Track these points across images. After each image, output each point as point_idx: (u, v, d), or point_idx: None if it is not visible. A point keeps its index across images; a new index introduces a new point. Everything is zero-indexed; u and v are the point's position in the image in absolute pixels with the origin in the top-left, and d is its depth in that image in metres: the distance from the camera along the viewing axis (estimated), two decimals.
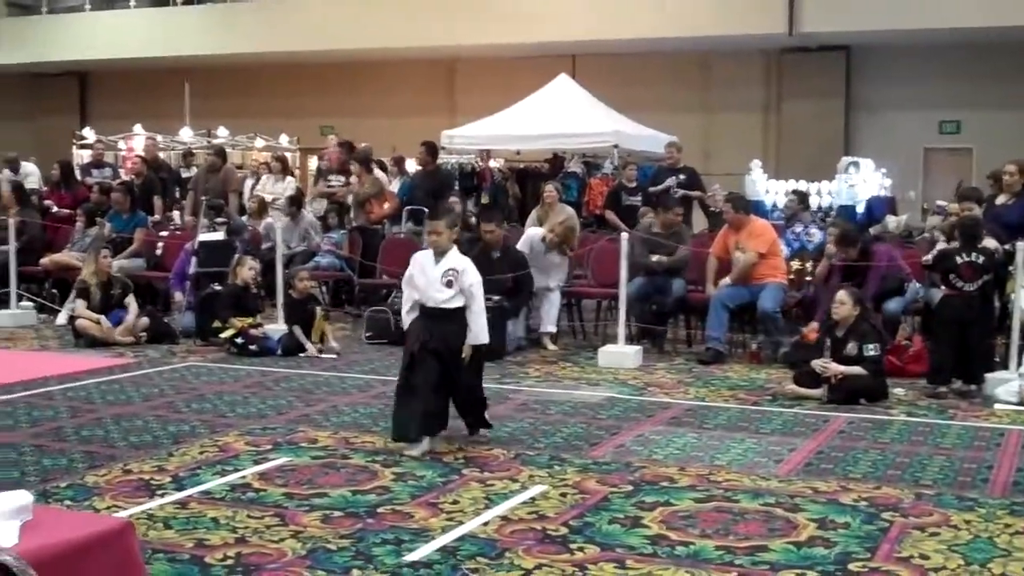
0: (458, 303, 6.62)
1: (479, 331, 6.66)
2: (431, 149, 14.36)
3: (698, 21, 20.21)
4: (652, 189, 13.70)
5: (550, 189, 12.34)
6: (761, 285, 10.28)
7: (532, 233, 11.26)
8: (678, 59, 22.17)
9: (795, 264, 11.09)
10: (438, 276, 6.61)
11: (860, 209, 15.76)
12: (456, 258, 6.70)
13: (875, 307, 9.40)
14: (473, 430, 6.93)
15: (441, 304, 6.60)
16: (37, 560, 2.00)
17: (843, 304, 8.51)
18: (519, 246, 11.08)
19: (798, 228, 11.80)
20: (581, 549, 4.86)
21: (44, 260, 13.28)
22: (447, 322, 6.63)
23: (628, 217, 13.35)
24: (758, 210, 14.78)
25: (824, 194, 16.31)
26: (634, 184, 14.04)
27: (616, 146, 16.17)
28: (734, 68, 22.20)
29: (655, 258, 10.79)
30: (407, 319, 6.80)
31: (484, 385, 8.82)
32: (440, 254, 6.68)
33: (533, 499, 5.64)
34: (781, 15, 19.95)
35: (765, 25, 20.10)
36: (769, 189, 16.81)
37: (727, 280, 10.42)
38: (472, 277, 6.66)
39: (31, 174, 17.73)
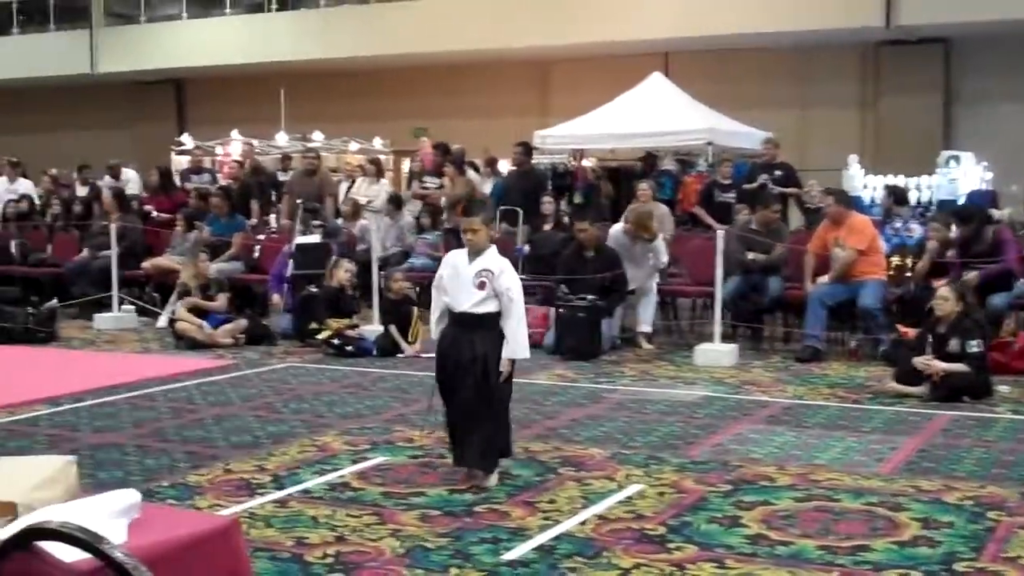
0: (491, 307, 5.86)
1: (517, 344, 5.88)
2: (526, 149, 14.38)
3: (793, 15, 19.96)
4: (747, 187, 13.56)
5: (644, 187, 12.29)
6: (861, 282, 10.13)
7: (614, 228, 11.20)
8: (772, 54, 21.91)
9: (895, 260, 10.90)
10: (470, 276, 5.87)
11: (961, 203, 15.45)
12: (493, 258, 5.95)
13: (979, 301, 9.20)
14: (474, 464, 5.92)
15: (471, 308, 5.85)
16: (146, 557, 2.03)
17: (946, 300, 8.34)
18: (608, 244, 11.04)
19: (897, 224, 11.60)
20: (679, 548, 4.82)
21: (145, 264, 13.52)
22: (480, 329, 5.86)
23: (722, 214, 13.24)
24: (856, 206, 14.59)
25: (924, 189, 16.02)
26: (728, 181, 13.92)
27: (710, 143, 16.04)
28: (830, 62, 21.88)
29: (751, 256, 10.68)
30: (436, 329, 6.09)
31: (577, 385, 8.87)
32: (476, 253, 5.94)
33: (630, 498, 5.61)
34: (878, 8, 19.63)
35: (862, 18, 19.78)
36: (867, 184, 16.55)
37: (825, 278, 10.28)
38: (510, 280, 5.89)
39: (131, 180, 18.08)
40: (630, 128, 16.45)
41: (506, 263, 5.99)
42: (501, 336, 5.86)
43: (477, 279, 5.85)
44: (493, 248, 6.01)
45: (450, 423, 6.03)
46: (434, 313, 6.10)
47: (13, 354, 10.85)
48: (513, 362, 5.90)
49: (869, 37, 20.99)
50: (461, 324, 5.91)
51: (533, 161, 15.81)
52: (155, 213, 14.98)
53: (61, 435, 7.15)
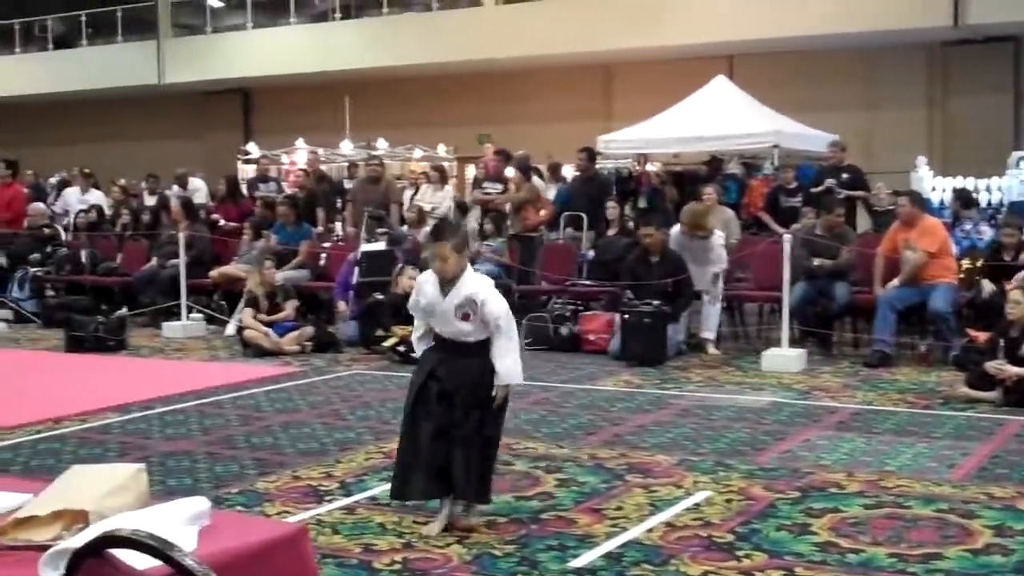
0: (480, 336, 5.20)
1: (511, 371, 5.19)
2: (590, 155, 14.35)
3: (859, 16, 19.77)
4: (813, 190, 13.45)
5: (709, 191, 12.22)
6: (932, 285, 10.00)
7: (673, 231, 11.15)
8: (838, 56, 21.72)
9: (965, 263, 10.75)
10: (450, 310, 5.19)
11: None
12: (472, 284, 5.22)
13: None
14: (463, 503, 5.29)
15: (460, 338, 5.24)
16: (216, 564, 2.04)
17: (1018, 303, 8.20)
18: (671, 247, 11.00)
19: (967, 226, 11.45)
20: (748, 556, 4.77)
21: (212, 273, 13.65)
22: (467, 356, 5.23)
23: (788, 219, 13.14)
24: (926, 208, 14.42)
25: (994, 190, 15.80)
26: (793, 185, 13.81)
27: (776, 146, 15.92)
28: (897, 63, 21.64)
29: (817, 262, 10.58)
30: (419, 347, 5.48)
31: (643, 391, 8.83)
32: (449, 283, 5.20)
33: (698, 505, 5.57)
34: (946, 7, 19.39)
35: (929, 18, 19.56)
36: (936, 186, 16.36)
37: (896, 282, 10.16)
38: (497, 306, 5.17)
39: (198, 189, 18.28)
40: (694, 132, 16.37)
41: (486, 287, 5.26)
42: (489, 361, 5.19)
43: (459, 312, 5.17)
44: (468, 272, 5.29)
45: (414, 450, 5.23)
46: (417, 331, 5.50)
47: (84, 362, 11.01)
48: (507, 387, 5.24)
49: (937, 37, 20.74)
50: (449, 350, 5.27)
51: (597, 166, 15.79)
52: (223, 222, 15.13)
53: (132, 442, 7.23)
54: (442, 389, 5.19)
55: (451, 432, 5.16)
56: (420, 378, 5.28)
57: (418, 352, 5.49)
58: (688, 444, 6.97)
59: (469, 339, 5.21)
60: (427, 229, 14.00)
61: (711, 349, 10.85)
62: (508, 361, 5.18)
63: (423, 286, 5.34)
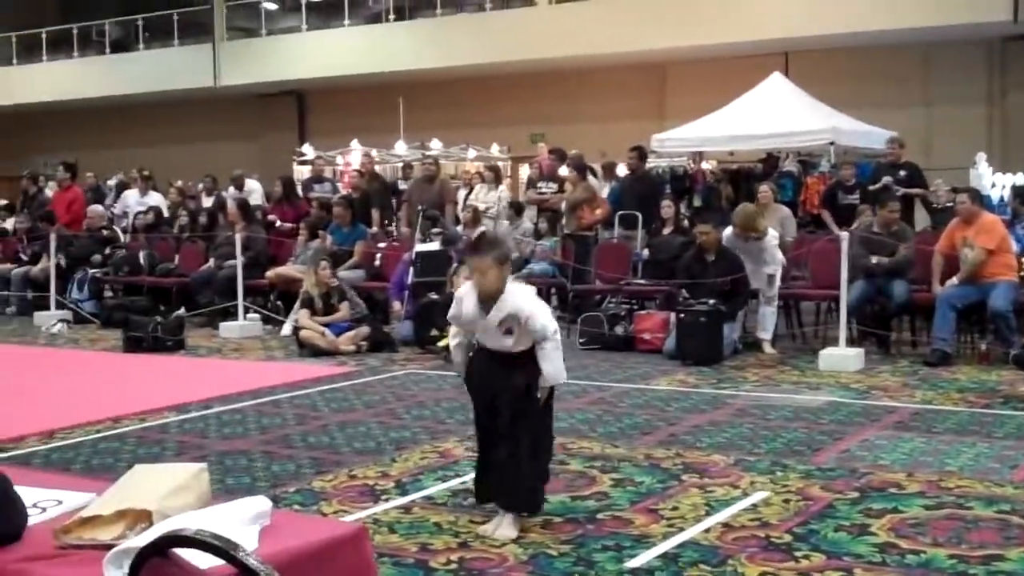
0: (524, 346, 5.13)
1: (554, 372, 5.13)
2: (641, 153, 14.31)
3: (916, 12, 19.58)
4: (871, 188, 13.33)
5: (764, 189, 12.15)
6: (992, 283, 9.87)
7: (725, 232, 11.10)
8: (895, 52, 21.52)
9: None
10: (493, 327, 5.10)
11: None
12: (514, 299, 5.06)
13: None
14: (512, 508, 5.19)
15: (504, 350, 5.17)
16: (279, 564, 2.06)
17: None
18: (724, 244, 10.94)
19: None
20: (807, 557, 4.74)
21: (269, 273, 13.75)
22: (515, 365, 5.18)
23: (846, 216, 13.03)
24: (985, 205, 14.24)
25: None
26: (852, 183, 13.70)
27: (832, 143, 15.80)
28: (955, 59, 21.42)
29: (875, 260, 10.48)
30: (456, 354, 5.46)
31: (699, 390, 8.79)
32: (490, 299, 5.06)
33: (755, 505, 5.53)
34: (1005, 3, 19.15)
35: (988, 13, 19.33)
36: (995, 183, 16.16)
37: (954, 280, 10.05)
38: (541, 319, 5.06)
39: (254, 191, 18.40)
40: (750, 129, 16.29)
41: (529, 300, 5.13)
42: (536, 366, 5.13)
43: (502, 327, 5.08)
44: (510, 286, 5.11)
45: (486, 459, 5.32)
46: (453, 338, 5.44)
47: (142, 362, 11.12)
48: (552, 388, 5.23)
49: (996, 32, 20.50)
50: (494, 359, 5.23)
51: (651, 164, 15.75)
52: (279, 223, 15.22)
53: (190, 441, 7.30)
54: (491, 399, 5.23)
55: (499, 442, 5.21)
56: (480, 386, 5.34)
57: (455, 358, 5.50)
58: (745, 444, 6.93)
59: (514, 351, 5.16)
60: (482, 229, 14.08)
61: (768, 348, 10.78)
62: (554, 364, 5.12)
63: (463, 301, 5.20)
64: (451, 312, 5.31)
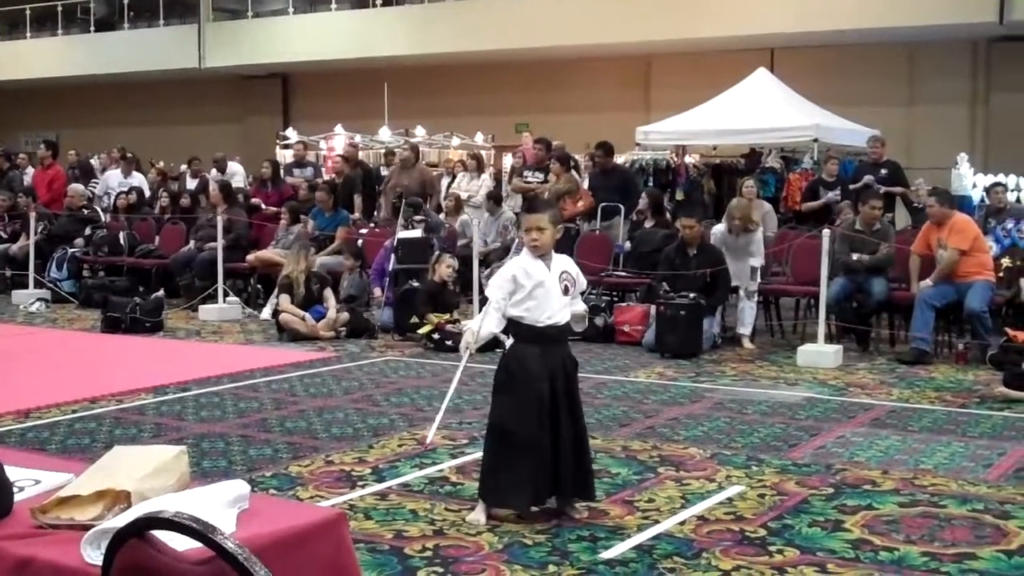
0: (568, 314, 5.24)
1: (583, 312, 5.42)
2: (607, 149, 14.19)
3: (902, 11, 19.60)
4: (852, 186, 13.38)
5: (749, 185, 12.19)
6: (968, 283, 9.93)
7: (716, 228, 11.18)
8: (881, 51, 21.57)
9: (1005, 262, 10.67)
10: (555, 282, 5.16)
11: None
12: (562, 259, 5.31)
13: None
14: (590, 495, 5.33)
15: (561, 319, 5.18)
16: (256, 547, 2.06)
17: None
18: (712, 243, 10.99)
19: (1009, 224, 11.35)
20: (780, 552, 4.77)
21: (249, 257, 13.72)
22: (564, 342, 5.31)
23: (826, 213, 13.09)
24: (965, 206, 14.31)
25: None
26: (833, 179, 13.75)
27: (816, 140, 15.83)
28: (940, 59, 21.48)
29: (856, 256, 10.53)
30: (491, 322, 5.22)
31: (677, 384, 8.81)
32: (546, 256, 5.21)
33: (730, 499, 5.56)
34: (992, 3, 19.20)
35: (974, 14, 19.36)
36: (977, 183, 16.23)
37: (928, 281, 10.12)
38: (581, 274, 5.41)
39: (236, 173, 18.39)
40: (734, 124, 16.30)
41: (571, 260, 5.41)
42: (570, 349, 5.33)
43: (562, 284, 5.17)
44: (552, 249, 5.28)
45: (541, 460, 5.14)
46: (489, 326, 5.21)
47: (120, 343, 11.10)
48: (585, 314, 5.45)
49: (981, 33, 20.56)
50: (547, 340, 5.18)
51: (635, 157, 15.75)
52: (263, 206, 15.16)
53: (167, 423, 7.29)
54: (554, 385, 5.15)
55: (560, 429, 5.15)
56: (536, 381, 5.12)
57: (489, 328, 5.21)
58: (721, 438, 6.96)
59: (563, 320, 5.19)
60: (464, 217, 14.08)
61: (747, 344, 10.82)
62: (582, 306, 5.39)
63: (528, 268, 5.15)
64: (502, 292, 5.15)
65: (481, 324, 5.26)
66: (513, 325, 5.21)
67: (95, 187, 18.02)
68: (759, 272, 11.04)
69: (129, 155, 18.51)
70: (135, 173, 18.03)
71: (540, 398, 5.11)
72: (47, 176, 17.09)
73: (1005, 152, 19.28)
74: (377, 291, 12.26)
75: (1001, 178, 15.65)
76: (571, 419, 5.20)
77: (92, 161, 20.76)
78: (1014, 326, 9.77)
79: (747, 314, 10.97)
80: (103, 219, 16.25)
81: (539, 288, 5.12)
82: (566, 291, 5.18)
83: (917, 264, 10.38)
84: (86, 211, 16.10)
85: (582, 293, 5.55)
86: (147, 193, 17.27)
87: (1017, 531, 5.07)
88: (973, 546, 4.86)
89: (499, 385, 5.27)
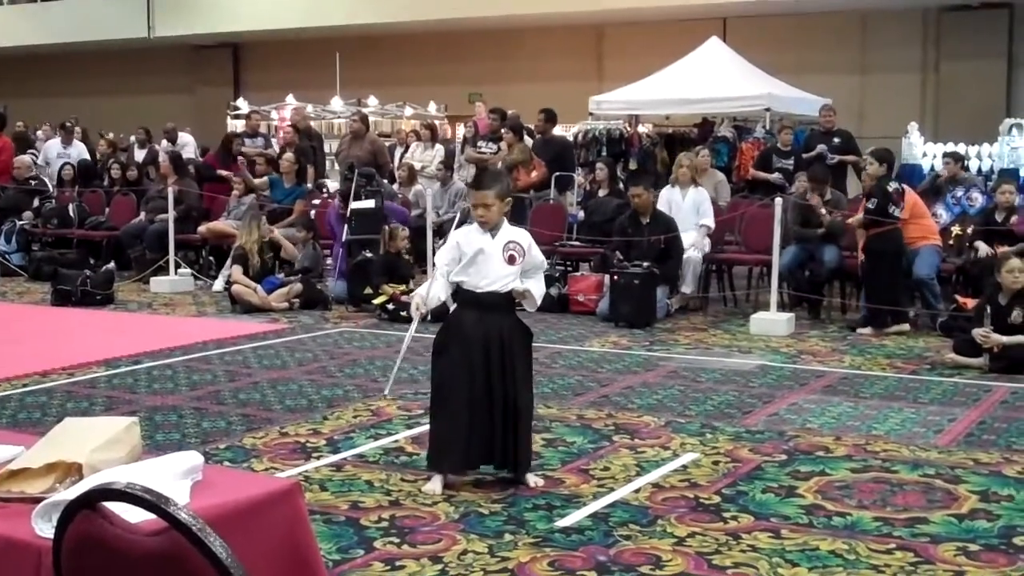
0: (514, 285, 5.27)
1: (539, 295, 5.40)
2: (548, 115, 14.20)
3: None
4: (805, 156, 13.44)
5: (704, 154, 12.22)
6: (915, 250, 10.01)
7: (665, 189, 11.36)
8: (833, 19, 21.65)
9: (955, 230, 10.77)
10: (498, 251, 5.22)
11: None
12: (515, 231, 5.37)
13: None
14: (520, 473, 5.30)
15: (500, 287, 5.21)
16: (210, 518, 2.04)
17: (1022, 272, 8.13)
18: (660, 207, 11.02)
19: (959, 192, 11.45)
20: (735, 518, 4.80)
21: (201, 228, 13.61)
22: (503, 310, 5.30)
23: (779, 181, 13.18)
24: (915, 174, 14.38)
25: (984, 157, 15.79)
26: (788, 148, 13.82)
27: (768, 110, 15.90)
28: (891, 28, 21.59)
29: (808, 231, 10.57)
30: (438, 288, 5.34)
31: (631, 352, 8.84)
32: (493, 229, 5.26)
33: (685, 467, 5.59)
34: None
35: None
36: (927, 152, 16.34)
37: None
38: (539, 251, 5.45)
39: (187, 144, 18.19)
40: (686, 94, 16.33)
41: (528, 235, 5.44)
42: (518, 319, 5.36)
43: (506, 253, 5.22)
44: (505, 222, 5.34)
45: (476, 418, 5.18)
46: (437, 290, 5.33)
47: (71, 316, 10.99)
48: (526, 293, 5.34)
49: (932, 2, 20.67)
50: (485, 306, 5.21)
51: (588, 126, 15.74)
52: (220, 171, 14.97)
53: (119, 397, 7.23)
54: (483, 348, 5.17)
55: (492, 397, 5.17)
56: (467, 342, 5.18)
57: (435, 293, 5.33)
58: (675, 406, 7.00)
59: (507, 288, 5.23)
60: (417, 187, 14.03)
61: (685, 291, 10.99)
62: (540, 288, 5.39)
63: (467, 236, 5.27)
64: (446, 258, 5.30)
65: (429, 289, 5.37)
66: (455, 290, 5.31)
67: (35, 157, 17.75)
68: (706, 232, 11.15)
69: (68, 123, 18.23)
70: (76, 143, 17.76)
71: (471, 362, 5.16)
72: None
73: (955, 120, 19.41)
74: (333, 246, 12.17)
75: (953, 147, 15.75)
76: (503, 389, 5.18)
77: (38, 132, 20.47)
78: (964, 293, 9.89)
79: (689, 273, 10.99)
80: (51, 191, 16.05)
81: (480, 255, 5.20)
82: (511, 260, 5.22)
83: (864, 234, 10.43)
84: (34, 183, 15.89)
85: (546, 273, 5.55)
86: (88, 162, 17.00)
87: (967, 495, 5.13)
88: (925, 510, 4.92)
89: (436, 347, 5.34)
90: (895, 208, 9.65)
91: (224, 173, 14.66)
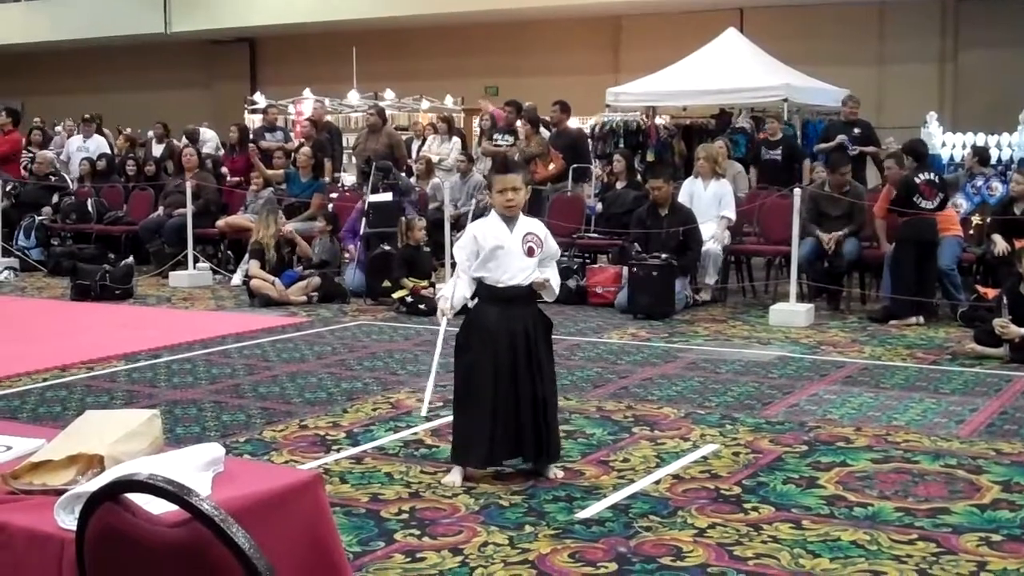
0: (534, 277, 5.20)
1: (557, 284, 5.34)
2: (563, 107, 14.19)
3: None
4: (824, 146, 13.39)
5: (720, 145, 12.20)
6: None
7: (687, 181, 11.23)
8: (850, 9, 21.55)
9: (975, 219, 10.71)
10: (517, 244, 5.16)
11: None
12: (532, 222, 5.32)
13: None
14: (548, 463, 5.31)
15: (523, 280, 5.16)
16: (232, 509, 2.04)
17: None
18: (681, 199, 11.00)
19: (979, 182, 11.40)
20: (756, 509, 4.79)
21: (219, 222, 13.63)
22: (527, 303, 5.26)
23: (769, 172, 13.17)
24: (934, 164, 14.30)
25: (1004, 147, 15.69)
26: (776, 138, 13.80)
27: (786, 100, 15.83)
28: (909, 18, 21.47)
29: (827, 238, 10.49)
30: (462, 287, 5.25)
31: (651, 344, 8.83)
32: (512, 219, 5.20)
33: (705, 458, 5.58)
34: None
35: None
36: (946, 142, 16.25)
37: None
38: (554, 242, 5.39)
39: (209, 140, 18.23)
40: (704, 85, 16.27)
41: (542, 224, 5.40)
42: (539, 310, 5.31)
43: (525, 245, 5.16)
44: (521, 213, 5.28)
45: (494, 418, 5.15)
46: (461, 289, 5.24)
47: (90, 311, 11.02)
48: (546, 283, 5.25)
49: None
50: (507, 300, 5.17)
51: (605, 118, 15.71)
52: (230, 176, 15.02)
53: (139, 390, 7.25)
54: (513, 342, 5.14)
55: (519, 391, 5.14)
56: (494, 336, 5.14)
57: (460, 292, 5.24)
58: (695, 397, 6.98)
59: (528, 281, 5.17)
60: (435, 180, 14.01)
61: (704, 296, 10.92)
62: (557, 277, 5.34)
63: (487, 229, 5.20)
64: (464, 251, 5.23)
65: (453, 290, 5.27)
66: (477, 286, 5.25)
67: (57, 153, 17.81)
68: (727, 224, 11.12)
69: (87, 116, 18.26)
70: (96, 136, 17.78)
71: (496, 358, 5.13)
72: (6, 143, 16.85)
73: (973, 110, 19.31)
74: (352, 247, 12.15)
75: (972, 136, 15.68)
76: (531, 381, 5.16)
77: (58, 128, 20.52)
78: (984, 283, 9.84)
79: (711, 261, 10.98)
80: (71, 186, 16.10)
81: (499, 249, 5.14)
82: (531, 252, 5.17)
83: (883, 225, 10.41)
84: (54, 178, 15.94)
85: (558, 263, 5.52)
86: (110, 155, 17.05)
87: (989, 486, 5.10)
88: (946, 501, 4.89)
89: (459, 344, 5.30)
90: (925, 201, 9.59)
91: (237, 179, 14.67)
